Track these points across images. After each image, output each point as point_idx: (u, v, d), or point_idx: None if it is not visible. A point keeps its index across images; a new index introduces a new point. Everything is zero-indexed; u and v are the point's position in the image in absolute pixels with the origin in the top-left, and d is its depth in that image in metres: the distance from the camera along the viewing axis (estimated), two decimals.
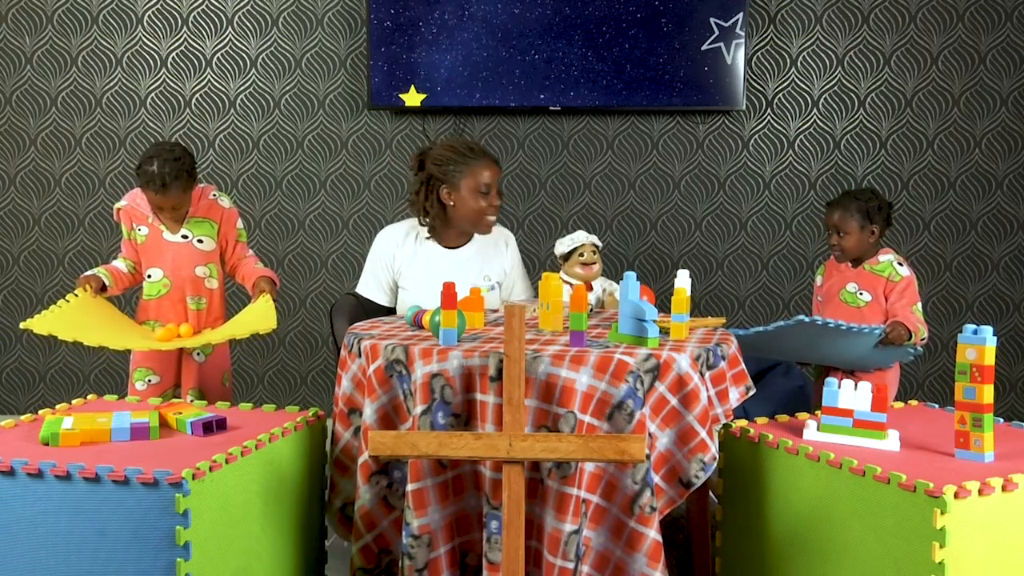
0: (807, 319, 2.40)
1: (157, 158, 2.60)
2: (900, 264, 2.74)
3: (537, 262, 3.93)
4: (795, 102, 3.89)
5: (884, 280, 2.73)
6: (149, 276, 2.77)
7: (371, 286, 2.86)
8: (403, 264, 2.81)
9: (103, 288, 2.69)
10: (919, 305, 2.72)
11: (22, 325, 2.40)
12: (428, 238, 2.81)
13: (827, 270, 2.90)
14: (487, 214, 2.73)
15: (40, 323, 2.40)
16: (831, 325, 2.44)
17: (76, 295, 2.61)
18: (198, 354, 2.78)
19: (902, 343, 2.58)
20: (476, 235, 2.84)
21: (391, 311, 2.89)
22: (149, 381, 2.76)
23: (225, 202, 2.83)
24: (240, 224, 2.87)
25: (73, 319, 2.50)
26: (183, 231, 2.75)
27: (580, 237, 2.65)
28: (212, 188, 2.85)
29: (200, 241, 2.77)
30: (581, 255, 2.63)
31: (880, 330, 2.53)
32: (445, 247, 2.82)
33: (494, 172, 2.73)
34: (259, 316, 2.63)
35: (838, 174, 3.91)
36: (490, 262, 2.86)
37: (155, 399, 2.40)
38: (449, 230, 2.81)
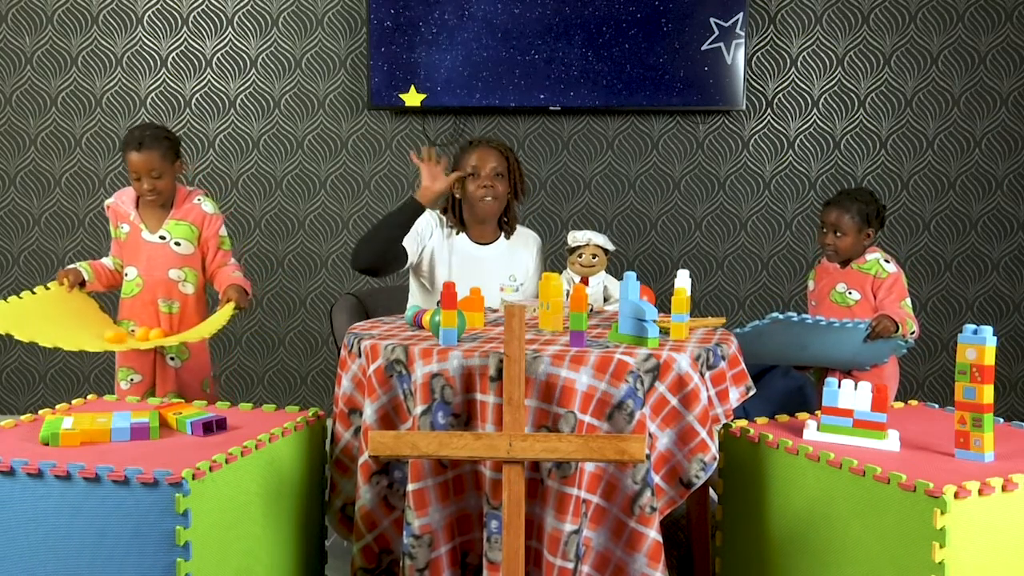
0: (781, 316, 2.40)
1: (140, 127, 2.71)
2: (887, 261, 2.77)
3: None
4: (795, 102, 3.89)
5: (871, 278, 2.75)
6: (126, 275, 2.77)
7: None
8: (435, 247, 2.83)
9: (82, 283, 2.69)
10: (908, 300, 2.74)
11: None
12: (450, 228, 2.85)
13: (817, 274, 2.92)
14: (479, 196, 2.77)
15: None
16: (809, 321, 2.44)
17: (48, 288, 2.60)
18: (172, 359, 2.76)
19: (890, 335, 2.59)
20: (504, 234, 2.90)
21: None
22: (131, 380, 2.76)
23: (208, 207, 2.80)
24: (223, 231, 2.83)
25: (34, 315, 2.45)
26: (161, 232, 2.74)
27: (581, 237, 2.67)
28: (199, 192, 2.83)
29: (177, 244, 2.75)
30: (580, 255, 2.66)
31: (865, 324, 2.54)
32: (475, 242, 2.86)
33: (482, 155, 2.77)
34: (202, 326, 2.60)
35: (838, 174, 3.91)
36: (518, 262, 2.90)
37: (155, 400, 2.40)
38: (473, 225, 2.86)
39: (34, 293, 2.57)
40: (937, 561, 1.69)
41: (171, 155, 2.70)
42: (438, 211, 2.88)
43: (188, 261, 2.77)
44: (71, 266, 2.72)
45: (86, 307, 2.68)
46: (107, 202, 2.82)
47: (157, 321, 2.74)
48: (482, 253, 2.85)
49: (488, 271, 2.82)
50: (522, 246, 2.94)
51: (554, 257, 3.91)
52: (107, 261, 2.82)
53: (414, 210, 2.67)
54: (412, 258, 2.79)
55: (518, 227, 2.97)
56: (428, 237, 2.82)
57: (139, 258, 2.75)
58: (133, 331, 2.72)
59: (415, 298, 2.91)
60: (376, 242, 2.65)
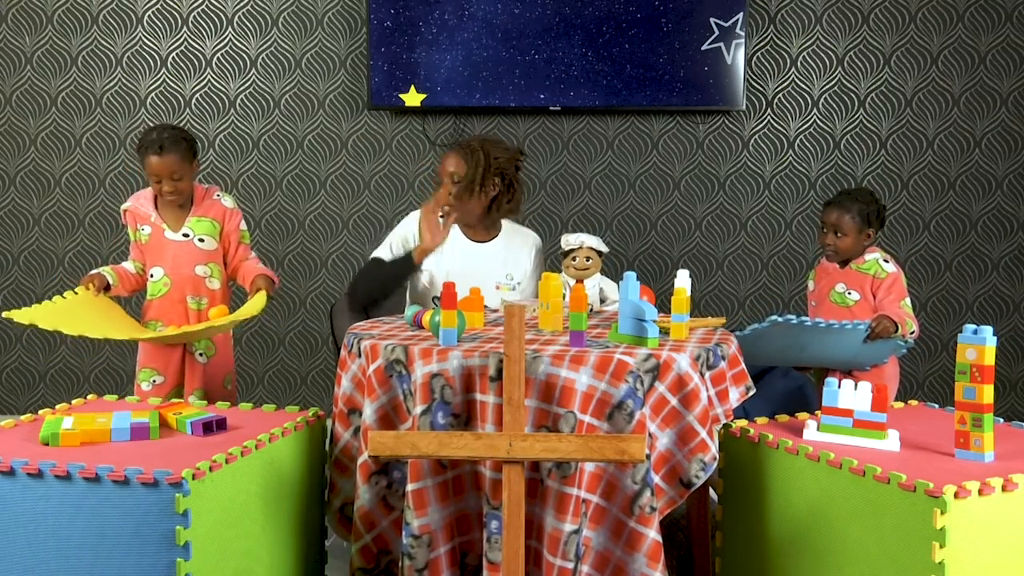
0: (781, 319, 2.40)
1: (157, 128, 2.70)
2: (886, 261, 2.77)
3: None
4: (795, 102, 3.89)
5: (870, 278, 2.75)
6: (151, 276, 2.78)
7: (383, 254, 2.89)
8: None
9: (107, 287, 2.70)
10: (907, 300, 2.74)
11: (4, 314, 2.40)
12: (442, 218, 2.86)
13: (817, 274, 2.91)
14: (446, 203, 2.79)
15: (23, 313, 2.40)
16: (808, 323, 2.44)
17: (76, 292, 2.62)
18: (200, 355, 2.77)
19: (889, 336, 2.59)
20: (503, 232, 2.91)
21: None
22: (154, 381, 2.76)
23: (228, 202, 2.83)
24: (243, 226, 2.86)
25: (60, 312, 2.49)
26: (184, 229, 2.76)
27: (574, 241, 2.65)
28: (217, 188, 2.86)
29: (201, 240, 2.77)
30: (574, 259, 2.65)
31: (864, 325, 2.54)
32: (472, 240, 2.85)
33: (446, 160, 2.79)
34: (244, 309, 2.63)
35: (838, 174, 3.91)
36: (515, 261, 2.89)
37: (156, 399, 2.40)
38: (464, 225, 2.87)
39: (64, 297, 2.59)
40: (937, 561, 1.69)
41: (189, 156, 2.71)
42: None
43: (212, 257, 2.79)
44: (95, 271, 2.73)
45: (112, 311, 2.69)
46: (123, 207, 2.81)
47: (186, 318, 2.75)
48: (478, 251, 2.85)
49: (484, 269, 2.81)
50: (520, 245, 2.93)
51: (554, 258, 3.91)
52: (128, 265, 2.82)
53: (410, 268, 2.72)
54: None
55: (518, 226, 2.96)
56: (413, 240, 2.83)
57: (164, 257, 2.76)
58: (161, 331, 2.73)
59: (415, 297, 2.91)
60: (370, 292, 2.77)
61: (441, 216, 2.78)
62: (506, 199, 2.85)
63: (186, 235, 2.76)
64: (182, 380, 2.79)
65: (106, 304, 2.69)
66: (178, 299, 2.76)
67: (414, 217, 2.90)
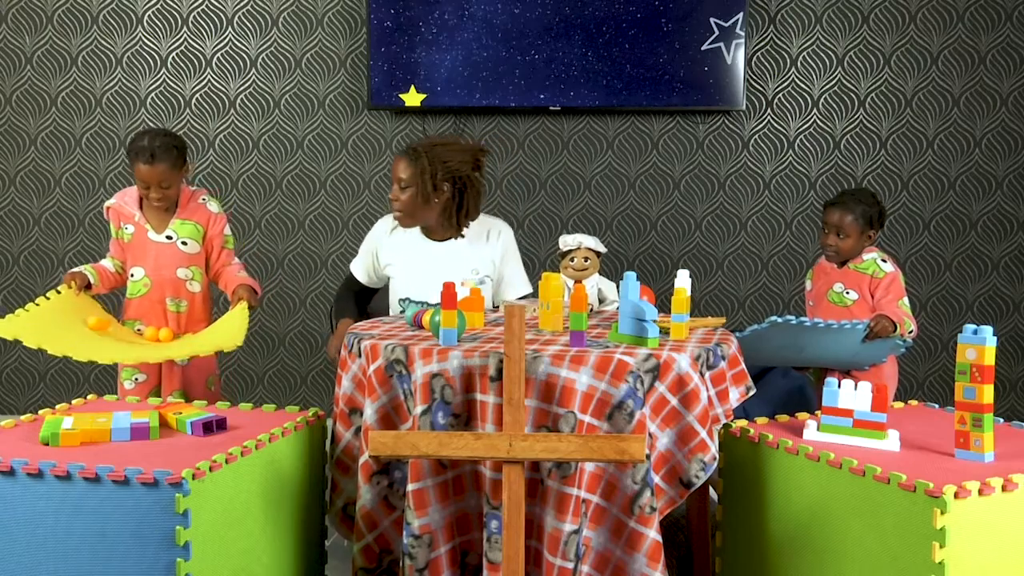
0: (780, 319, 2.40)
1: (148, 133, 2.70)
2: (884, 261, 2.77)
3: (537, 262, 3.93)
4: (795, 102, 3.89)
5: (868, 278, 2.75)
6: (132, 275, 2.78)
7: (358, 265, 2.97)
8: (389, 255, 2.86)
9: (88, 286, 2.70)
10: (906, 300, 2.74)
11: None
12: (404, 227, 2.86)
13: (815, 274, 2.91)
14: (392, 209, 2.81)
15: (7, 326, 2.38)
16: (807, 324, 2.44)
17: (59, 291, 2.62)
18: None
19: (888, 335, 2.59)
20: (457, 231, 2.86)
21: (373, 291, 3.03)
22: (136, 379, 2.77)
23: (213, 207, 2.83)
24: (228, 231, 2.85)
25: (45, 321, 2.48)
26: (168, 231, 2.76)
27: (572, 241, 2.65)
28: (204, 192, 2.85)
29: (184, 243, 2.76)
30: (572, 259, 2.64)
31: (863, 325, 2.54)
32: (431, 239, 2.83)
33: (395, 166, 2.77)
34: (228, 331, 2.61)
35: (838, 174, 3.91)
36: (479, 255, 2.84)
37: (155, 399, 2.40)
38: (427, 227, 2.86)
39: (48, 299, 2.58)
40: (937, 561, 1.69)
41: (180, 164, 2.72)
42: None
43: (194, 260, 2.79)
44: (76, 269, 2.73)
45: (92, 311, 2.69)
46: (107, 203, 2.82)
47: (165, 320, 2.75)
48: (438, 250, 2.82)
49: (446, 268, 2.77)
50: (484, 238, 2.85)
51: (554, 258, 3.91)
52: (107, 263, 2.82)
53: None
54: (370, 279, 2.94)
55: (484, 217, 2.90)
56: (377, 252, 2.88)
57: (146, 258, 2.76)
58: (140, 331, 2.73)
59: (394, 295, 2.88)
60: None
61: (395, 220, 2.82)
62: (458, 203, 2.78)
63: (169, 237, 2.76)
64: (161, 379, 2.79)
65: (88, 306, 2.68)
66: (157, 300, 2.75)
67: (375, 229, 2.92)
